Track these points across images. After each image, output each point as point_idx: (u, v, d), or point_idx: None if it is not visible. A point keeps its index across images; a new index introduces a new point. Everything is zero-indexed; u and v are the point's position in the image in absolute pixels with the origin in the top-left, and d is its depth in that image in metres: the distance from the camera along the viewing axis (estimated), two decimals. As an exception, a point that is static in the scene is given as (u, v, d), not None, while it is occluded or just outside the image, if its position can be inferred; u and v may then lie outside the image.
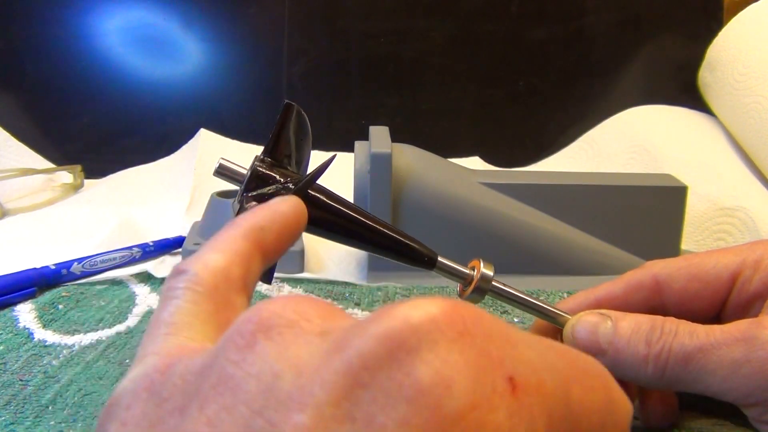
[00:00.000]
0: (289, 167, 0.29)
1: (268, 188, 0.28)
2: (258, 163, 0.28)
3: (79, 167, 0.76)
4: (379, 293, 0.47)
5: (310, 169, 0.29)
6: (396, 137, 0.51)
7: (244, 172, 0.28)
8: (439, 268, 0.30)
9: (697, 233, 0.58)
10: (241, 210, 0.28)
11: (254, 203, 0.28)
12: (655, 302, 0.32)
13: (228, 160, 0.29)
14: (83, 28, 0.84)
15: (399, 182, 0.49)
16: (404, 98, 0.88)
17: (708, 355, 0.27)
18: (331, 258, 0.55)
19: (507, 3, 0.86)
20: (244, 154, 0.83)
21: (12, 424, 0.30)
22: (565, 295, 0.47)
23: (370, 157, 0.48)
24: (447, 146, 0.73)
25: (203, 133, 0.80)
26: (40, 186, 0.74)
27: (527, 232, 0.50)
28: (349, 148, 0.53)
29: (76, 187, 0.75)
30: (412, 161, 0.50)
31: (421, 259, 0.30)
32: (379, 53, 0.87)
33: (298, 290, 0.47)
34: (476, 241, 0.50)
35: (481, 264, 0.31)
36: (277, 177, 0.28)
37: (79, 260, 0.48)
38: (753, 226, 0.56)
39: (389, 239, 0.29)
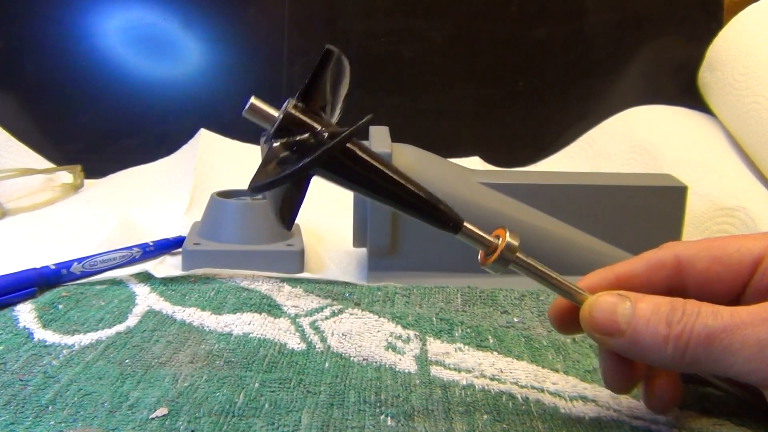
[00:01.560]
0: (324, 114, 0.28)
1: (301, 136, 0.27)
2: (291, 108, 0.27)
3: (79, 167, 0.76)
4: (379, 293, 0.47)
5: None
6: (396, 137, 0.51)
7: (276, 114, 0.27)
8: (463, 233, 0.29)
9: (697, 233, 0.58)
10: (269, 155, 0.27)
11: (287, 153, 0.27)
12: (676, 282, 0.31)
13: (260, 100, 0.27)
14: (83, 28, 0.84)
15: (399, 182, 0.49)
16: (404, 98, 0.88)
17: (733, 335, 0.27)
18: (331, 258, 0.55)
19: (507, 3, 0.86)
20: (245, 154, 0.83)
21: (12, 424, 0.30)
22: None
23: (370, 157, 0.47)
24: (447, 146, 0.73)
25: (203, 133, 0.80)
26: (40, 186, 0.74)
27: (527, 232, 0.50)
28: (349, 148, 0.53)
29: (76, 187, 0.75)
30: (412, 161, 0.50)
31: (447, 223, 0.29)
32: (379, 53, 0.87)
33: (298, 290, 0.47)
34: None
35: (507, 233, 0.29)
36: (311, 124, 0.27)
37: (79, 260, 0.48)
38: (753, 226, 0.56)
39: (418, 199, 0.29)
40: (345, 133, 0.25)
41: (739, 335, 0.27)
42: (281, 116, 0.27)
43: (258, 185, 0.26)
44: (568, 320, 0.31)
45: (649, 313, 0.28)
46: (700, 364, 0.28)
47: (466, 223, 0.29)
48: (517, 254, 0.29)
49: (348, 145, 0.27)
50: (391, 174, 0.28)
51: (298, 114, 0.27)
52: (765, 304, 0.28)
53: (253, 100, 0.27)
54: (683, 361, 0.28)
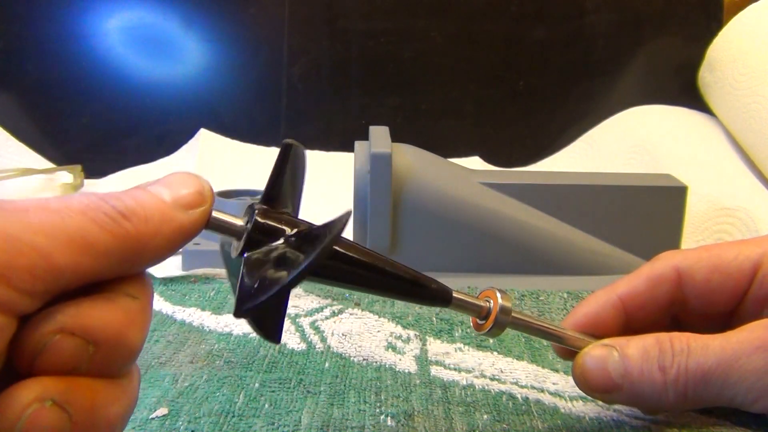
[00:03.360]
0: (285, 209, 0.26)
1: (275, 244, 0.24)
2: (259, 216, 0.24)
3: (79, 167, 0.76)
4: (379, 293, 0.47)
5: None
6: (396, 137, 0.51)
7: (240, 224, 0.25)
8: (454, 304, 0.28)
9: (697, 233, 0.58)
10: (247, 268, 0.24)
11: (265, 265, 0.24)
12: (676, 295, 0.31)
13: (220, 212, 0.24)
14: (83, 28, 0.84)
15: (399, 182, 0.49)
16: (404, 98, 0.88)
17: (729, 369, 0.26)
18: (331, 258, 0.55)
19: (507, 3, 0.86)
20: (244, 154, 0.83)
21: (12, 424, 0.30)
22: (565, 295, 0.47)
23: (370, 157, 0.48)
24: (447, 146, 0.73)
25: (203, 133, 0.80)
26: (40, 186, 0.74)
27: (527, 232, 0.50)
28: (349, 148, 0.53)
29: (76, 187, 0.75)
30: (412, 161, 0.50)
31: (437, 299, 0.27)
32: (379, 53, 0.87)
33: (298, 290, 0.47)
34: (476, 241, 0.50)
35: (498, 295, 0.28)
36: (282, 229, 0.25)
37: (79, 260, 0.48)
38: (753, 226, 0.56)
39: (407, 284, 0.27)
40: (316, 253, 0.23)
41: (735, 368, 0.26)
42: (250, 227, 0.24)
43: (246, 308, 0.23)
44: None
45: (640, 361, 0.28)
46: (703, 401, 0.27)
47: (455, 293, 0.28)
48: (513, 315, 0.28)
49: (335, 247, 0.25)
50: (380, 266, 0.26)
51: (266, 222, 0.24)
52: (753, 329, 0.27)
53: (214, 213, 0.24)
54: (687, 403, 0.27)
